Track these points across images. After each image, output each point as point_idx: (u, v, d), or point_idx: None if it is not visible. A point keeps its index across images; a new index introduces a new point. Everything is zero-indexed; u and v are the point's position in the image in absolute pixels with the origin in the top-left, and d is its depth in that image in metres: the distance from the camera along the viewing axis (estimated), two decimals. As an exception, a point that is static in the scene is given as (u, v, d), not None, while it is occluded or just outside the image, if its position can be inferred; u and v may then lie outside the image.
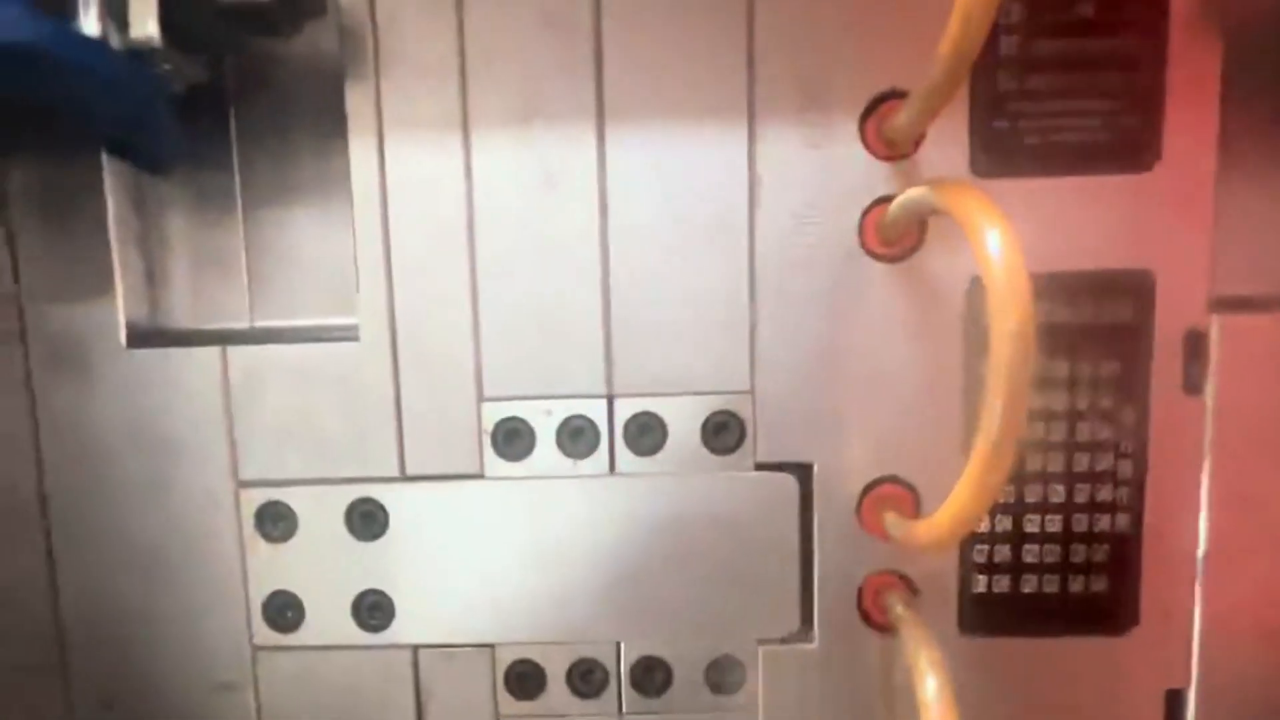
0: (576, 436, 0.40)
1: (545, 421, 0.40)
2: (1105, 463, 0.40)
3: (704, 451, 0.40)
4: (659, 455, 0.40)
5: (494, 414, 0.40)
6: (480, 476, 0.41)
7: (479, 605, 0.41)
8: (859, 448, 0.40)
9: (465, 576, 0.41)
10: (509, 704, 0.42)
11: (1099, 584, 0.41)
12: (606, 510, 0.41)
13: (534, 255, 0.39)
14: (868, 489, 0.40)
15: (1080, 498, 0.40)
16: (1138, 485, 0.40)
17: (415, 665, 0.42)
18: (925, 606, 0.40)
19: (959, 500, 0.29)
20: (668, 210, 0.39)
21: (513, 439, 0.40)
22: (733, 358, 0.40)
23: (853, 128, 0.38)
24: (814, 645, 0.42)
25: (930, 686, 0.34)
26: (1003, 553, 0.41)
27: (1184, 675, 0.41)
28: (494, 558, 0.41)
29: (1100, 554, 0.41)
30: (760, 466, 0.40)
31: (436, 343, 0.40)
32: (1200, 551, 0.40)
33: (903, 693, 0.41)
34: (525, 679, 0.42)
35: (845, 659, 0.42)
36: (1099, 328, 0.39)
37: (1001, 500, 0.40)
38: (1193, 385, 0.39)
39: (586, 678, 0.42)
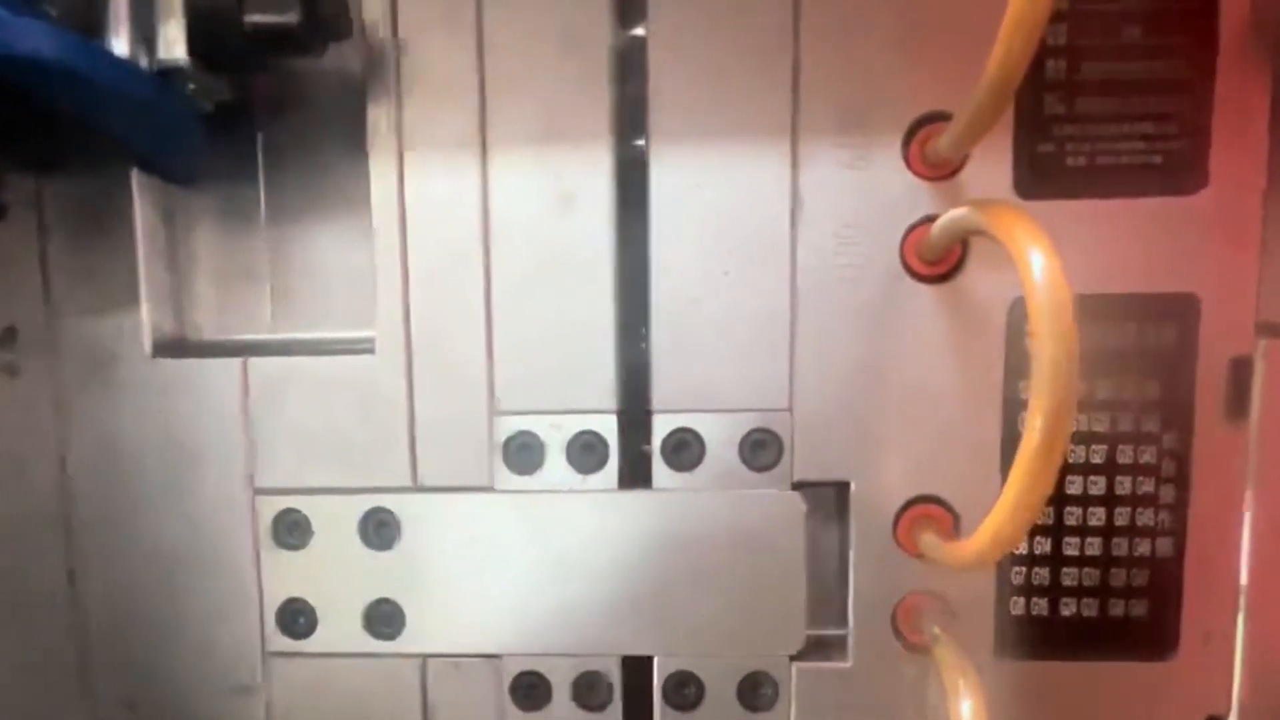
0: (586, 452, 0.41)
1: (555, 436, 0.41)
2: (1147, 486, 0.40)
3: (741, 468, 0.40)
4: (696, 471, 0.41)
5: (505, 428, 0.41)
6: (490, 489, 0.41)
7: (488, 616, 0.42)
8: (897, 467, 0.40)
9: (475, 587, 0.42)
10: (515, 715, 0.42)
11: (1139, 608, 0.40)
12: (614, 525, 0.41)
13: (548, 273, 0.40)
14: (905, 508, 0.40)
15: (1121, 521, 0.40)
16: (1179, 510, 0.40)
17: (424, 674, 0.43)
18: (962, 628, 0.40)
19: (997, 520, 0.29)
20: (710, 229, 0.39)
21: (523, 452, 0.41)
22: (772, 376, 0.40)
23: (895, 148, 0.39)
24: (848, 664, 0.41)
25: (966, 709, 0.34)
26: (1041, 575, 0.40)
27: (1224, 702, 0.41)
28: (504, 569, 0.41)
29: (1140, 578, 0.40)
30: (798, 484, 0.40)
31: (450, 356, 0.40)
32: (1242, 577, 0.40)
33: (937, 714, 0.41)
34: (531, 690, 0.42)
35: (879, 678, 0.41)
36: (1142, 351, 0.39)
37: (1040, 522, 0.40)
38: (1237, 410, 0.39)
39: (591, 691, 0.42)
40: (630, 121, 0.40)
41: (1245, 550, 0.40)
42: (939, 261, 0.39)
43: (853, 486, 0.40)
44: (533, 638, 0.42)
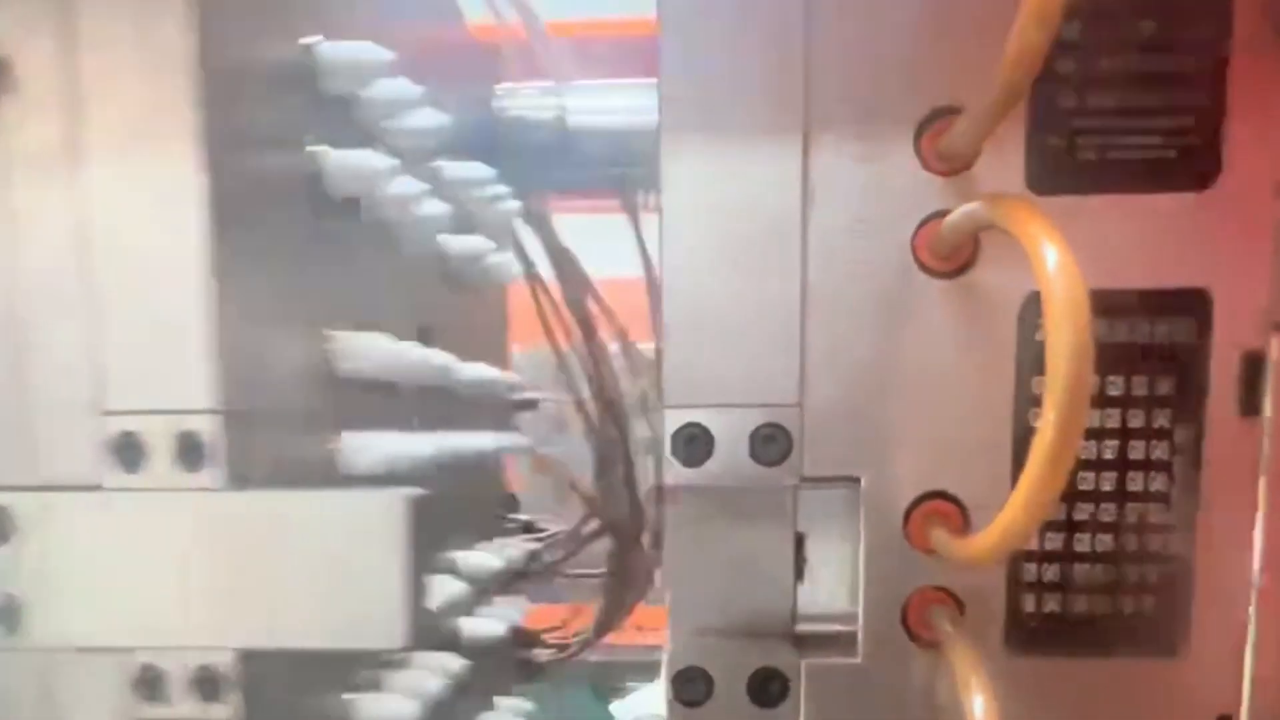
0: (188, 451, 0.41)
1: (159, 435, 0.41)
2: (1158, 483, 0.40)
3: (750, 463, 0.40)
4: (706, 466, 0.41)
5: (112, 427, 0.41)
6: (99, 487, 0.41)
7: (106, 610, 0.42)
8: (908, 462, 0.40)
9: (93, 582, 0.42)
10: (137, 706, 0.42)
11: (1150, 605, 0.40)
12: (219, 522, 0.41)
13: (147, 276, 0.40)
14: (916, 504, 0.40)
15: (1132, 517, 0.40)
16: (1191, 506, 0.40)
17: (46, 667, 0.43)
18: (972, 624, 0.40)
19: (1010, 515, 0.29)
20: (721, 223, 0.39)
21: (129, 451, 0.41)
22: (782, 370, 0.40)
23: (907, 142, 0.38)
24: (858, 660, 0.41)
25: (976, 705, 0.34)
26: (1052, 571, 0.40)
27: (1234, 699, 0.40)
28: (118, 564, 0.42)
29: (1151, 575, 0.40)
30: (807, 479, 0.40)
31: (58, 357, 0.41)
32: (1254, 574, 0.40)
33: (948, 710, 0.41)
34: (151, 683, 0.42)
35: (889, 674, 0.41)
36: (1155, 346, 0.39)
37: (1052, 518, 0.40)
38: (1249, 406, 0.39)
39: (209, 683, 0.42)
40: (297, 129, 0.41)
41: (1257, 547, 0.39)
42: (951, 256, 0.39)
43: (863, 482, 0.40)
44: (150, 632, 0.42)
